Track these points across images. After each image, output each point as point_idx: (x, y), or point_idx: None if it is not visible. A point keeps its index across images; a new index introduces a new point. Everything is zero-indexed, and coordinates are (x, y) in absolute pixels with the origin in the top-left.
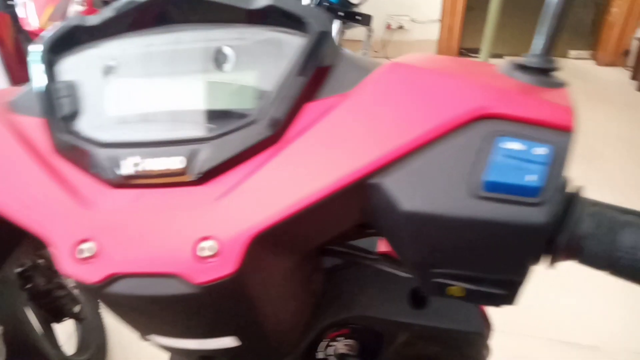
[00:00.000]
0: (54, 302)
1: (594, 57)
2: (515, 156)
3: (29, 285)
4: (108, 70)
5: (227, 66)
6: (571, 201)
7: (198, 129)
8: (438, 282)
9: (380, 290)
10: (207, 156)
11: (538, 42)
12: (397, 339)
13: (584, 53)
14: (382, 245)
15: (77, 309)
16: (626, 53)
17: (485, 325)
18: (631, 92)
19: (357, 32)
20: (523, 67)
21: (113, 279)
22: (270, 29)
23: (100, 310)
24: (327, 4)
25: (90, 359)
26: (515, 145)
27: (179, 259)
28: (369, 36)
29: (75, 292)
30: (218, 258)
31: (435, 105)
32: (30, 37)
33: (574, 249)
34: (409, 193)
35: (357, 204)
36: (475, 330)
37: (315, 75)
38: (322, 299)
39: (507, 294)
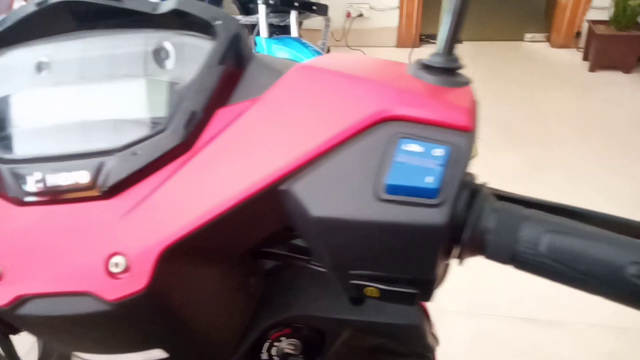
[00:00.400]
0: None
1: (548, 40)
2: (415, 158)
3: None
4: (10, 80)
5: (133, 72)
6: (474, 198)
7: (104, 140)
8: (354, 284)
9: (319, 288)
10: (113, 169)
11: (441, 42)
12: (339, 335)
13: (539, 36)
14: None
15: None
16: (578, 35)
17: (423, 318)
18: (584, 72)
19: (315, 21)
20: (428, 67)
21: (22, 300)
22: (178, 33)
23: None
24: None
25: None
26: (415, 148)
27: (90, 276)
28: (327, 26)
29: None
30: (128, 274)
31: (340, 109)
32: None
33: (478, 245)
34: (317, 198)
35: (272, 210)
36: (412, 323)
37: (226, 80)
38: (262, 302)
39: (421, 292)
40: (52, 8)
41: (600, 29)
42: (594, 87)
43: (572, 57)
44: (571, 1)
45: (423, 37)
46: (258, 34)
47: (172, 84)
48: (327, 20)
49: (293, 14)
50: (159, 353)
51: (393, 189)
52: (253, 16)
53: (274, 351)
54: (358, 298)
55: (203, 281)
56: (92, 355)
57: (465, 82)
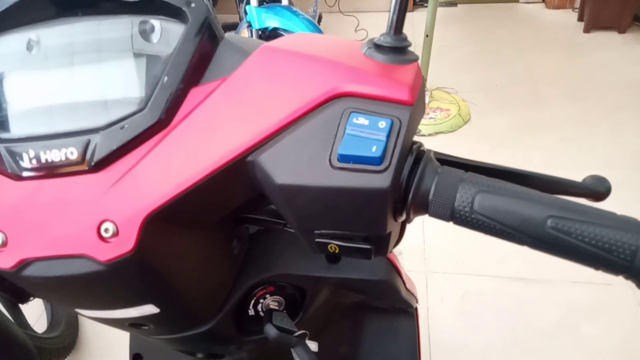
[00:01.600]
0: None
1: (543, 1)
2: (362, 130)
3: None
4: (0, 68)
5: (117, 56)
6: (418, 163)
7: (90, 120)
8: (318, 242)
9: (298, 249)
10: (99, 145)
11: (390, 23)
12: (319, 292)
13: None
14: None
15: None
16: None
17: (394, 274)
18: (578, 33)
19: None
20: (379, 47)
21: (25, 263)
22: (152, 17)
23: None
24: None
25: (62, 335)
26: (363, 121)
27: (84, 241)
28: None
29: None
30: (117, 238)
31: (299, 87)
32: None
33: (422, 205)
34: (279, 168)
35: (243, 180)
36: (382, 278)
37: (198, 61)
38: (246, 262)
39: (376, 248)
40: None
41: None
42: (588, 49)
43: (567, 18)
44: None
45: (417, 1)
46: (248, 2)
47: (148, 66)
48: None
49: None
50: (151, 308)
51: (345, 158)
52: None
53: (259, 307)
54: (333, 256)
55: (186, 244)
56: (91, 312)
57: (413, 60)
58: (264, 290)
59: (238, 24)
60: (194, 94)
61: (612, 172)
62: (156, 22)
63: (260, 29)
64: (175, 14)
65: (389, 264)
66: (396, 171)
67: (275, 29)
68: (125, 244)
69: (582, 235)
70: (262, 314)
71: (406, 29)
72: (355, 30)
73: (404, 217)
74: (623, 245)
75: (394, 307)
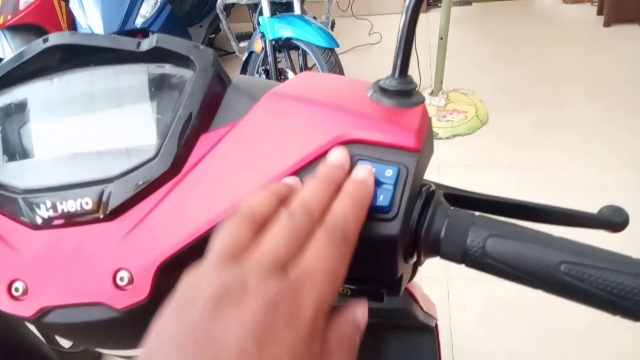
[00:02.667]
0: None
1: None
2: None
3: None
4: (17, 117)
5: (128, 104)
6: (427, 205)
7: (104, 169)
8: None
9: None
10: (112, 195)
11: (395, 66)
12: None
13: None
14: None
15: None
16: None
17: (410, 301)
18: (597, 27)
19: None
20: (384, 90)
21: (45, 311)
22: (162, 66)
23: None
24: None
25: (87, 350)
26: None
27: (100, 289)
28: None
29: None
30: (132, 286)
31: (305, 134)
32: None
33: (432, 248)
34: None
35: None
36: (398, 307)
37: (207, 108)
38: None
39: (388, 290)
40: (51, 50)
41: None
42: (608, 43)
43: (586, 13)
44: None
45: (431, 1)
46: (261, 13)
47: (159, 113)
48: None
49: None
50: None
51: None
52: None
53: None
54: None
55: None
56: (111, 351)
57: (419, 102)
58: None
59: (252, 33)
60: (204, 140)
61: (637, 173)
62: (166, 70)
63: (273, 39)
64: (183, 61)
65: (405, 291)
66: (405, 218)
67: (288, 39)
68: (140, 292)
69: (597, 282)
70: None
71: (419, 30)
72: (369, 34)
73: (414, 259)
74: None
75: (415, 326)
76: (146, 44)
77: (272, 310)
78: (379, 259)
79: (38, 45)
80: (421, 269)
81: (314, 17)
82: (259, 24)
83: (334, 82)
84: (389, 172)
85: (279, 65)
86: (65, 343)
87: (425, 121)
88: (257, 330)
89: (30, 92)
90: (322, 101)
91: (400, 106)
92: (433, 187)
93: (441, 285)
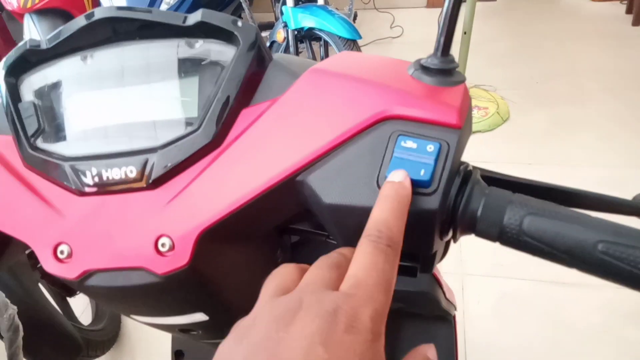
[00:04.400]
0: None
1: None
2: (411, 153)
3: (39, 265)
4: (65, 88)
5: (172, 77)
6: (466, 184)
7: (148, 139)
8: None
9: None
10: (155, 165)
11: (437, 44)
12: None
13: None
14: None
15: None
16: None
17: (435, 285)
18: (626, 26)
19: None
20: (425, 68)
21: (89, 274)
22: (206, 41)
23: None
24: None
25: (106, 327)
26: (411, 144)
27: (142, 255)
28: None
29: None
30: (173, 252)
31: (347, 109)
32: (13, 16)
33: (469, 225)
34: (328, 188)
35: (291, 197)
36: (423, 290)
37: (249, 83)
38: None
39: (421, 266)
40: (98, 22)
41: None
42: (636, 42)
43: (614, 10)
44: None
45: None
46: (284, 3)
47: (201, 88)
48: None
49: None
50: (201, 316)
51: None
52: None
53: None
54: None
55: (235, 256)
56: (146, 318)
57: (460, 81)
58: None
59: (274, 23)
60: (245, 114)
61: None
62: (209, 45)
63: (296, 29)
64: (226, 37)
65: (430, 275)
66: (444, 193)
67: (311, 29)
68: (181, 258)
69: (635, 261)
70: None
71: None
72: (391, 27)
73: (449, 236)
74: None
75: (433, 315)
76: (192, 19)
77: (332, 318)
78: (416, 233)
79: (82, 19)
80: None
81: (337, 9)
82: (282, 13)
83: (374, 60)
84: (431, 148)
85: (301, 56)
86: (85, 320)
87: (467, 100)
88: (322, 336)
89: (78, 64)
90: (364, 78)
91: (441, 84)
92: (471, 167)
93: (456, 280)
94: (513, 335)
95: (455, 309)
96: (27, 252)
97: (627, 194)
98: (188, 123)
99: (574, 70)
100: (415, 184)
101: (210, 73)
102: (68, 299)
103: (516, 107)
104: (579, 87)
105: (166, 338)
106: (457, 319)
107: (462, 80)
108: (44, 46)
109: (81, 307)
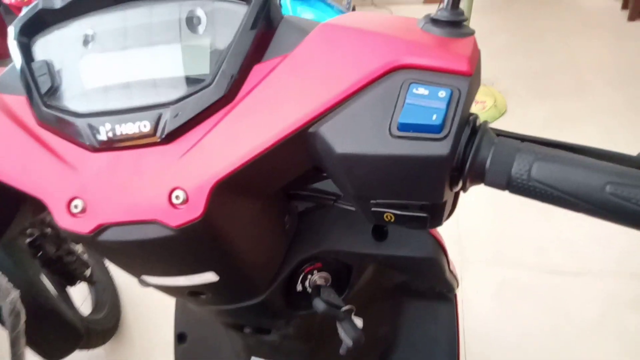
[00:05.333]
0: (65, 267)
1: None
2: (423, 100)
3: (40, 254)
4: (77, 47)
5: (184, 36)
6: (475, 133)
7: (161, 95)
8: (375, 211)
9: (346, 227)
10: (169, 119)
11: None
12: (364, 269)
13: None
14: None
15: (87, 272)
16: None
17: (440, 252)
18: (622, 21)
19: None
20: (436, 21)
21: (102, 228)
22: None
23: (110, 273)
24: None
25: (106, 317)
26: (423, 91)
27: (156, 207)
28: None
29: (85, 256)
30: (187, 204)
31: (358, 60)
32: (11, 9)
33: (478, 174)
34: (340, 138)
35: (303, 151)
36: (428, 255)
37: (261, 39)
38: (296, 238)
39: (431, 217)
40: None
41: None
42: (632, 36)
43: (611, 6)
44: None
45: None
46: None
47: (214, 45)
48: None
49: None
50: (212, 276)
51: (405, 127)
52: None
53: (307, 283)
54: (381, 233)
55: (247, 213)
56: (157, 278)
57: (469, 33)
58: (312, 267)
59: None
60: (257, 70)
61: None
62: (220, 4)
63: None
64: None
65: (435, 242)
66: (455, 139)
67: None
68: (195, 210)
69: None
70: (309, 290)
71: None
72: None
73: (459, 187)
74: None
75: (434, 290)
76: None
77: None
78: (426, 180)
79: None
80: None
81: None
82: (280, 5)
83: (384, 17)
84: (442, 94)
85: None
86: (86, 310)
87: (476, 51)
88: None
89: (92, 24)
90: (375, 31)
91: (451, 36)
92: (479, 119)
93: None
94: (512, 323)
95: (458, 285)
96: (27, 241)
97: None
98: (200, 80)
99: (574, 63)
100: (427, 130)
101: (223, 30)
102: (68, 288)
103: (515, 100)
104: (579, 80)
105: (165, 327)
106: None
107: (472, 33)
108: (57, 5)
109: (81, 297)
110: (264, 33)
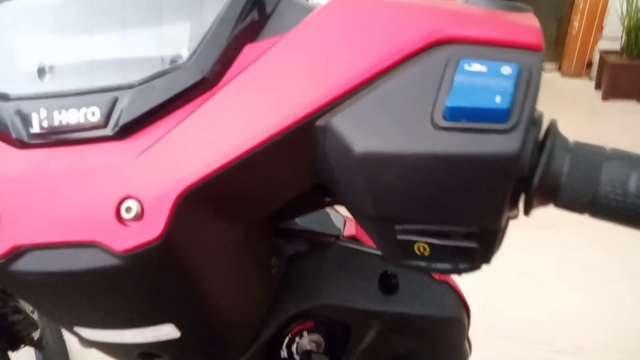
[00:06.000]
0: (9, 327)
1: (559, 69)
2: (479, 78)
3: None
4: (17, 22)
5: (157, 9)
6: (545, 134)
7: (120, 76)
8: (402, 241)
9: (346, 275)
10: (127, 105)
11: None
12: (366, 331)
13: (549, 65)
14: (348, 230)
15: (36, 335)
16: (589, 65)
17: (463, 310)
18: (596, 101)
19: None
20: None
21: (18, 252)
22: None
23: (63, 337)
24: None
25: None
26: (477, 67)
27: (98, 223)
28: None
29: (34, 316)
30: (141, 221)
31: (386, 32)
32: None
33: (550, 190)
34: (362, 132)
35: (305, 154)
36: (452, 314)
37: (256, 14)
38: (283, 288)
39: (481, 248)
40: None
41: (612, 59)
42: (607, 115)
43: (584, 87)
44: (582, 31)
45: None
46: None
47: (197, 20)
48: None
49: None
50: (171, 330)
51: (454, 113)
52: None
53: (294, 348)
54: (390, 285)
55: (222, 241)
56: (95, 331)
57: (527, 9)
58: (302, 326)
59: None
60: (250, 50)
61: None
62: None
63: None
64: None
65: (457, 297)
66: (526, 131)
67: None
68: (151, 229)
69: None
70: (296, 357)
71: None
72: None
73: (516, 210)
74: None
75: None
76: None
77: None
78: (481, 191)
79: None
80: None
81: None
82: None
83: None
84: (507, 70)
85: None
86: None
87: (540, 29)
88: None
89: None
90: (405, 1)
91: (506, 9)
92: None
93: None
94: None
95: (471, 352)
96: None
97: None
98: (175, 58)
99: None
100: (486, 118)
101: (210, 4)
102: (10, 353)
103: None
104: None
105: None
106: None
107: (530, 9)
108: None
109: None
110: (261, 7)
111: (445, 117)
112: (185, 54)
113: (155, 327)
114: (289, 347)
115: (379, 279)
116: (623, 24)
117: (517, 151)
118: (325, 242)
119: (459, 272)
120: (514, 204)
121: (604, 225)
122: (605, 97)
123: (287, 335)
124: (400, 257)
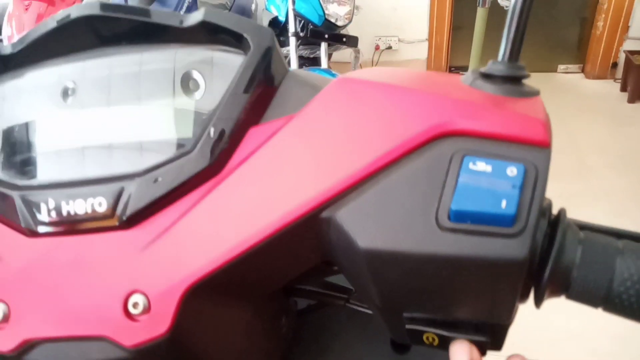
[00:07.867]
0: None
1: (582, 71)
2: (484, 179)
3: None
4: (25, 104)
5: (159, 94)
6: (555, 227)
7: (125, 165)
8: (411, 330)
9: (358, 333)
10: (133, 195)
11: (504, 48)
12: None
13: (573, 67)
14: None
15: None
16: (614, 66)
17: None
18: (622, 103)
19: (344, 54)
20: (489, 77)
21: (29, 345)
22: (207, 47)
23: None
24: (312, 27)
25: None
26: (482, 166)
27: (106, 318)
28: (357, 57)
29: None
30: (149, 315)
31: (390, 124)
32: None
33: (562, 283)
34: (365, 227)
35: (311, 242)
36: None
37: (259, 96)
38: (293, 346)
39: (491, 340)
40: (74, 24)
41: (638, 60)
42: (633, 119)
43: (609, 89)
44: (606, 32)
45: (452, 69)
46: (289, 64)
47: (200, 103)
48: (357, 52)
49: (323, 46)
50: None
51: (459, 216)
52: (283, 49)
53: None
54: (403, 345)
55: (231, 324)
56: None
57: (534, 92)
58: None
59: None
60: (254, 134)
61: None
62: (212, 52)
63: None
64: (234, 40)
65: None
66: (534, 234)
67: None
68: (158, 325)
69: None
70: None
71: None
72: None
73: (526, 300)
74: None
75: None
76: (191, 19)
77: None
78: (493, 293)
79: (53, 20)
80: None
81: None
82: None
83: (416, 72)
84: (513, 171)
85: None
86: None
87: (548, 116)
88: None
89: (46, 75)
90: (412, 86)
91: (512, 94)
92: (552, 204)
93: None
94: None
95: None
96: None
97: None
98: (180, 145)
99: (576, 146)
100: (492, 222)
101: (213, 86)
102: None
103: None
104: (581, 163)
105: None
106: None
107: (537, 92)
108: (6, 51)
109: None
110: (264, 88)
111: (450, 219)
112: (190, 138)
113: None
114: None
115: (391, 337)
116: None
117: (524, 257)
118: (335, 304)
119: None
120: (525, 297)
121: None
122: (632, 100)
123: None
124: (407, 341)
